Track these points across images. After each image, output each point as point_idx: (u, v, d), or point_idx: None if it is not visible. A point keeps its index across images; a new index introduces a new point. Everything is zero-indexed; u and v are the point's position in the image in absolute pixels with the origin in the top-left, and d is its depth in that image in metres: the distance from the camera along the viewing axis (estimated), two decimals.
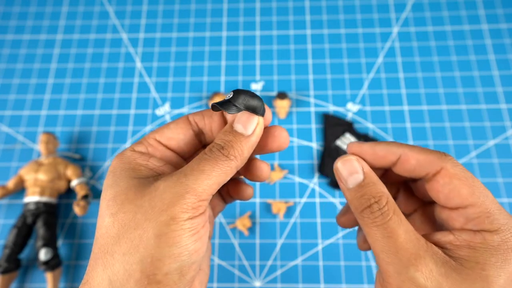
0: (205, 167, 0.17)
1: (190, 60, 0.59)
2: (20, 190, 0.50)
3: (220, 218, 0.49)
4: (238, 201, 0.49)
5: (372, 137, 0.52)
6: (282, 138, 0.21)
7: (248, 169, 0.22)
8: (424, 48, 0.58)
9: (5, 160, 0.53)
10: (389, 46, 0.58)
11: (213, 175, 0.17)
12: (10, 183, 0.49)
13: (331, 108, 0.54)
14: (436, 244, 0.17)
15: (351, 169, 0.19)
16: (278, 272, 0.46)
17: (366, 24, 0.60)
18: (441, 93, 0.55)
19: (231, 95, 0.20)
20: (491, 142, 0.51)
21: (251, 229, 0.48)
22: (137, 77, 0.58)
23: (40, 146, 0.50)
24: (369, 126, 0.53)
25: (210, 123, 0.21)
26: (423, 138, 0.52)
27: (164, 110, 0.55)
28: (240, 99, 0.20)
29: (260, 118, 0.20)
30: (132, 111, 0.55)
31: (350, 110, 0.54)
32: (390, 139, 0.52)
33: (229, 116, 0.20)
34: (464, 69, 0.56)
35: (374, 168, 0.21)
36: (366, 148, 0.20)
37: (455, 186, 0.18)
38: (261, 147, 0.22)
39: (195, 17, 0.62)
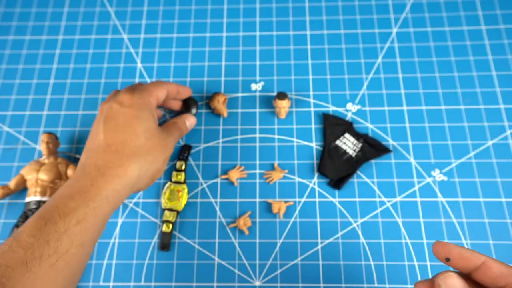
0: (175, 134, 0.42)
1: (191, 60, 0.59)
2: (21, 190, 0.50)
3: (220, 218, 0.49)
4: (238, 201, 0.50)
5: (372, 136, 0.52)
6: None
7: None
8: (423, 48, 0.58)
9: (6, 160, 0.53)
10: (388, 47, 0.58)
11: (178, 135, 0.43)
12: (12, 183, 0.49)
13: (331, 109, 0.55)
14: None
15: (453, 285, 0.20)
16: (278, 272, 0.46)
17: (365, 24, 0.60)
18: (440, 93, 0.55)
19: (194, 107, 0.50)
20: (490, 142, 0.52)
21: (251, 229, 0.48)
22: (138, 78, 0.58)
23: (41, 146, 0.50)
24: (369, 126, 0.53)
25: (175, 95, 0.46)
26: (422, 138, 0.52)
27: (164, 110, 0.56)
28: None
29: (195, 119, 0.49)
30: None
31: (350, 110, 0.55)
32: (390, 139, 0.52)
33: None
34: (463, 70, 0.56)
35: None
36: (453, 246, 0.22)
37: None
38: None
39: (195, 18, 0.62)
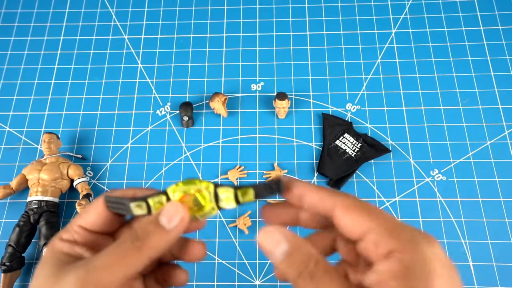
0: (110, 260, 0.18)
1: (191, 60, 0.59)
2: (23, 189, 0.50)
3: (220, 218, 0.49)
4: None
5: (371, 136, 0.52)
6: (196, 255, 0.22)
7: (179, 248, 0.22)
8: (422, 48, 0.58)
9: (8, 160, 0.54)
10: (388, 47, 0.59)
11: (118, 268, 0.17)
12: (13, 183, 0.49)
13: (331, 109, 0.55)
14: None
15: (274, 240, 0.18)
16: None
17: (364, 25, 0.61)
18: (438, 94, 0.55)
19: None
20: (488, 142, 0.52)
21: (251, 228, 0.48)
22: (139, 78, 0.58)
23: (42, 146, 0.51)
24: (368, 126, 0.54)
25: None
26: (421, 138, 0.52)
27: (165, 110, 0.56)
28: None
29: (185, 214, 0.20)
30: (134, 111, 0.56)
31: (349, 110, 0.55)
32: (389, 139, 0.53)
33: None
34: (462, 70, 0.57)
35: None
36: (277, 207, 0.22)
37: (352, 215, 0.18)
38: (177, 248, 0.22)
39: (196, 19, 0.62)
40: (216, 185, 0.20)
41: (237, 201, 0.21)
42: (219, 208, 0.21)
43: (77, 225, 0.21)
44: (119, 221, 0.22)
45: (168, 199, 0.20)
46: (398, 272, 0.16)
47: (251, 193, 0.20)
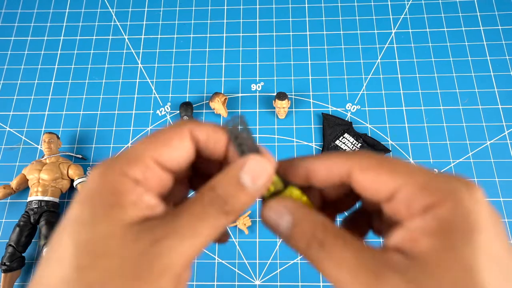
0: (203, 230, 0.14)
1: (191, 60, 0.59)
2: (23, 189, 0.51)
3: None
4: None
5: (371, 136, 0.52)
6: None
7: None
8: (422, 48, 0.58)
9: (8, 160, 0.54)
10: (387, 47, 0.59)
11: (209, 238, 0.14)
12: (14, 183, 0.49)
13: (331, 109, 0.55)
14: (396, 249, 0.14)
15: (277, 214, 0.16)
16: (278, 271, 0.46)
17: (364, 25, 0.61)
18: (438, 93, 0.55)
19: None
20: (488, 142, 0.52)
21: (251, 228, 0.48)
22: (139, 78, 0.58)
23: (42, 146, 0.51)
24: (368, 126, 0.54)
25: (215, 145, 0.17)
26: (421, 138, 0.52)
27: (165, 110, 0.56)
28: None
29: (271, 169, 0.16)
30: (134, 111, 0.56)
31: (349, 110, 0.55)
32: (389, 139, 0.53)
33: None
34: (462, 70, 0.57)
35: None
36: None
37: (373, 175, 0.15)
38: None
39: (196, 19, 0.62)
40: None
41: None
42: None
43: (153, 158, 0.15)
44: (191, 163, 0.17)
45: None
46: (432, 228, 0.13)
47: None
